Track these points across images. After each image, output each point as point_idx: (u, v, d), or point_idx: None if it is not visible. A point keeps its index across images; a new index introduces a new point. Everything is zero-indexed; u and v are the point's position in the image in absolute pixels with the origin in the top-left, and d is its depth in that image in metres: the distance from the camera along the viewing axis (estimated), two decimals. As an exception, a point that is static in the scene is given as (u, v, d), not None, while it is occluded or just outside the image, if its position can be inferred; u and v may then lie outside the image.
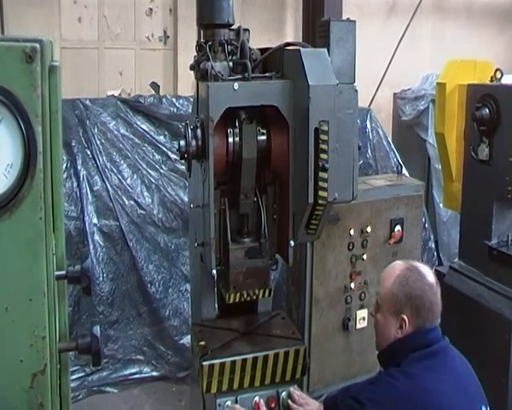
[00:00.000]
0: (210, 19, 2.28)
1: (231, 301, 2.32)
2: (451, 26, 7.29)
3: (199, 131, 2.18)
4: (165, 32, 6.09)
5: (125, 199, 4.12)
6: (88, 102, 4.26)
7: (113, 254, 4.04)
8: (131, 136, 4.31)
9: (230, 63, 2.26)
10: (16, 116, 0.81)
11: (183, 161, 2.32)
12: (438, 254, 5.05)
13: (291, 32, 6.40)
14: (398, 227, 3.46)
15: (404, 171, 4.58)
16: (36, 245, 0.87)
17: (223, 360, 2.23)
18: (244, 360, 2.25)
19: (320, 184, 2.07)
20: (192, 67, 2.35)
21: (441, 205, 4.74)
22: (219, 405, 2.24)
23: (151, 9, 6.03)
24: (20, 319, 0.91)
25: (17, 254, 0.88)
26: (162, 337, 4.03)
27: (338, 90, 2.15)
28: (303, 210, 2.14)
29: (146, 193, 4.19)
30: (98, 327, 1.11)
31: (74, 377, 3.86)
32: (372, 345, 3.49)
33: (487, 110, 3.60)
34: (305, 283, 3.25)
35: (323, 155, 2.06)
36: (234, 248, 2.27)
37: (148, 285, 4.04)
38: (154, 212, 4.17)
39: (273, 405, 2.27)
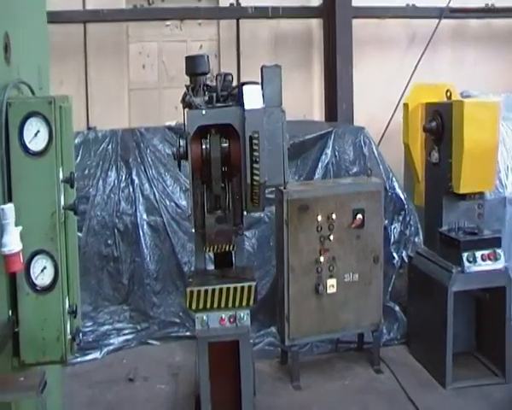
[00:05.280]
0: (192, 70, 3.54)
1: (207, 251, 3.53)
2: (471, 51, 8.00)
3: (184, 142, 3.45)
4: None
5: (167, 201, 5.45)
6: (143, 129, 5.70)
7: (158, 242, 5.37)
8: (175, 154, 5.68)
9: (206, 98, 3.51)
10: (45, 122, 2.10)
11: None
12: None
13: (318, 68, 7.55)
14: (359, 215, 4.45)
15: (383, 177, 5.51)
16: (51, 169, 2.13)
17: (199, 288, 3.42)
18: (213, 290, 3.41)
19: (254, 171, 3.23)
20: (181, 101, 3.63)
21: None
22: (197, 318, 3.43)
23: (200, 56, 7.49)
24: (46, 196, 2.17)
25: (43, 173, 2.15)
26: (193, 306, 5.27)
27: (270, 111, 3.31)
28: (246, 190, 3.31)
29: (183, 196, 5.50)
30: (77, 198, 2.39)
31: (128, 331, 5.22)
32: (341, 308, 4.51)
33: (435, 123, 4.54)
34: (284, 256, 4.35)
35: (256, 153, 3.21)
36: (208, 216, 3.48)
37: (184, 265, 5.32)
38: (189, 211, 5.47)
39: (232, 320, 3.42)
